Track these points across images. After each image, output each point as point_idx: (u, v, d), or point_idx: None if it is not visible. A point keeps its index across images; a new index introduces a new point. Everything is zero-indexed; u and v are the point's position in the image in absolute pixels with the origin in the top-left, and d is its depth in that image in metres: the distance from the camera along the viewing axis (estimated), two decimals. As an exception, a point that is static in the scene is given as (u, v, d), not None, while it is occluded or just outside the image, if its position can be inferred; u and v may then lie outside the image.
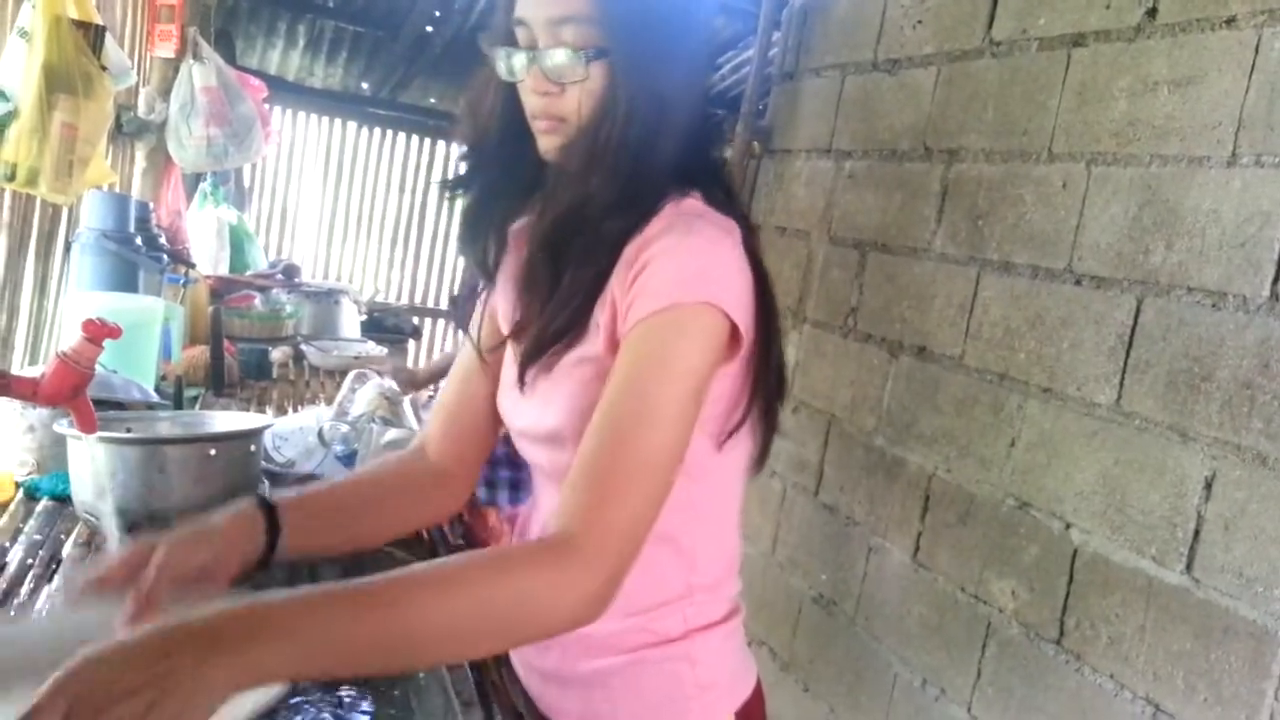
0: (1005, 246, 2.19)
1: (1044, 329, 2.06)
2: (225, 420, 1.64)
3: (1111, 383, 1.90)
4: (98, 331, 0.93)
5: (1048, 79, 2.12)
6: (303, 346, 2.96)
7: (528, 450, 1.11)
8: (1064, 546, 1.97)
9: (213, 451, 1.43)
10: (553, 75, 0.98)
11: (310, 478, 1.57)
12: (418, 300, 6.48)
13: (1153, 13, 1.90)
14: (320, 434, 1.66)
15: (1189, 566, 1.72)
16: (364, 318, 4.05)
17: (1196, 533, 1.72)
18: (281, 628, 0.72)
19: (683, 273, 0.93)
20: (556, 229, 0.99)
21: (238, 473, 1.48)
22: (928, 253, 2.43)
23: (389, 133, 6.26)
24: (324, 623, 0.73)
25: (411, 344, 5.54)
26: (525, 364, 1.02)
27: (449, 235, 6.46)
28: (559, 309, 1.00)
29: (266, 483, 1.65)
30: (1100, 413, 1.92)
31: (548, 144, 1.02)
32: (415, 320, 5.85)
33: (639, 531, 0.88)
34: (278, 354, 2.88)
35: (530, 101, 1.01)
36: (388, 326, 5.09)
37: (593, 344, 0.99)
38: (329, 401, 2.66)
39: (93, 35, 1.92)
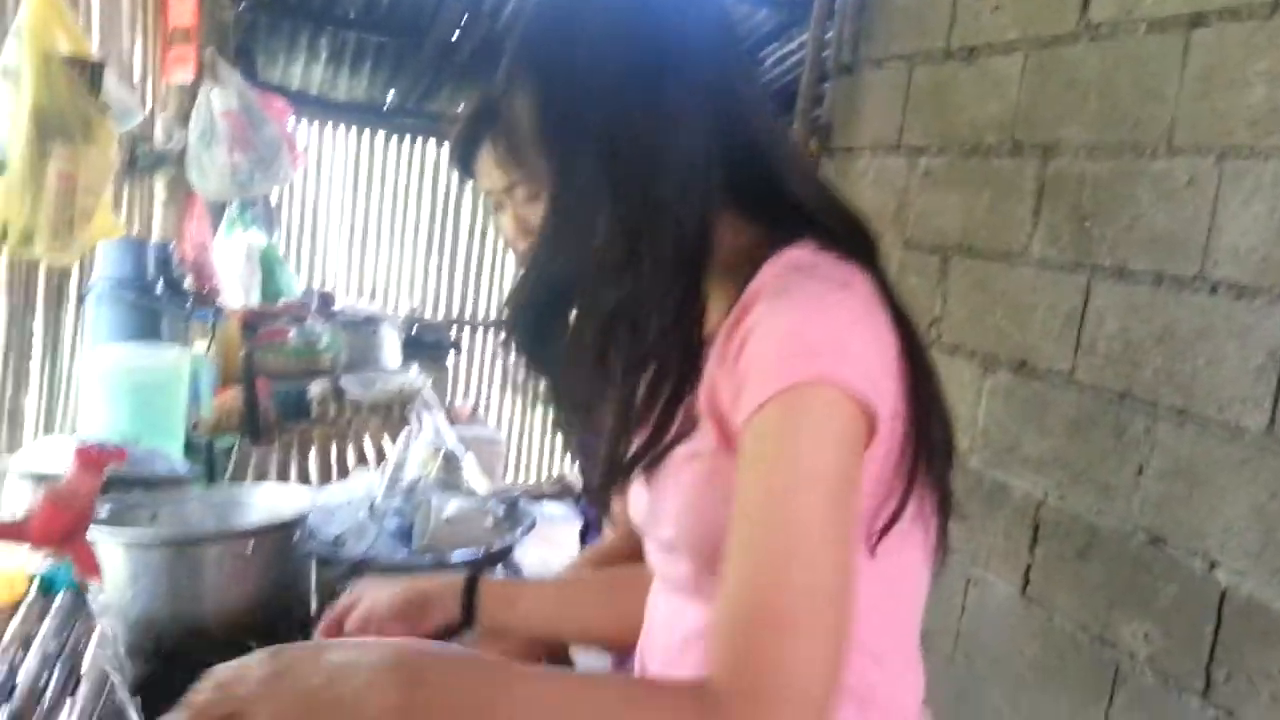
0: (1120, 251, 1.95)
1: (1174, 343, 1.83)
2: (264, 496, 1.44)
3: (1262, 406, 1.67)
4: (92, 459, 0.74)
5: (1162, 64, 1.89)
6: (342, 381, 2.78)
7: (646, 546, 0.95)
8: (1209, 588, 1.75)
9: (250, 547, 1.23)
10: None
11: (363, 563, 1.37)
12: (455, 312, 6.30)
13: (1293, -18, 1.66)
14: (371, 508, 1.46)
15: (1373, 619, 1.49)
16: (403, 337, 3.86)
17: (1379, 578, 1.50)
18: (454, 689, 0.71)
19: (783, 348, 0.74)
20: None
21: (279, 566, 1.29)
22: (1023, 257, 2.20)
23: (418, 140, 6.09)
24: (485, 705, 0.70)
25: (452, 357, 5.39)
26: (617, 475, 0.88)
27: (483, 240, 6.29)
28: (637, 414, 0.85)
29: (314, 565, 1.46)
30: (1249, 439, 1.69)
31: None
32: (454, 332, 5.69)
33: (816, 679, 0.68)
34: (316, 390, 2.70)
35: None
36: (428, 344, 4.94)
37: (702, 438, 0.82)
38: (374, 437, 2.49)
39: (89, 72, 1.71)
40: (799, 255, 0.82)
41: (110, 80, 1.74)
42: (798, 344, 0.73)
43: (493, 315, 6.35)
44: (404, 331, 4.03)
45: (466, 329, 6.26)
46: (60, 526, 0.74)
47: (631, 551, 1.22)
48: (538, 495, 5.82)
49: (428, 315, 5.95)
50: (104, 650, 1.23)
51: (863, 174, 2.81)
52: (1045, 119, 2.16)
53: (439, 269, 6.25)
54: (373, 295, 5.98)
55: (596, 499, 0.92)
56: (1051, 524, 2.10)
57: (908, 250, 2.59)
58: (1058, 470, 2.08)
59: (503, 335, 0.89)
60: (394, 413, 2.70)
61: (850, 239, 0.85)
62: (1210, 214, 1.77)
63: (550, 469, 6.58)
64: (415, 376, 2.95)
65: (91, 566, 0.78)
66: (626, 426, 0.85)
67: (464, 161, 1.44)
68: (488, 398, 6.46)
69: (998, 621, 2.26)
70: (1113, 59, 2.01)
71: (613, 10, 0.83)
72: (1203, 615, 1.76)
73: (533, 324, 0.86)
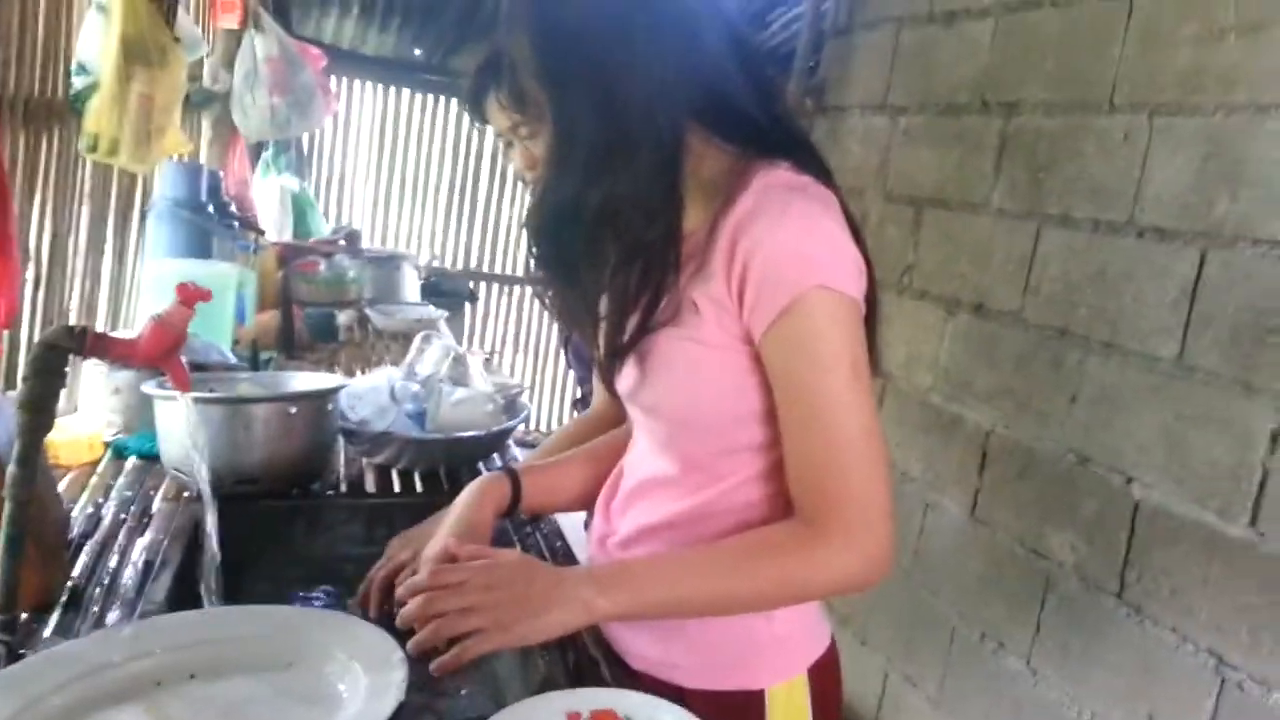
0: (1065, 200, 2.17)
1: (1105, 283, 2.05)
2: (302, 380, 1.69)
3: (1174, 336, 1.89)
4: (190, 295, 0.99)
5: (1109, 28, 2.09)
6: (367, 310, 3.03)
7: (627, 404, 1.13)
8: (1125, 501, 1.98)
9: (293, 410, 1.48)
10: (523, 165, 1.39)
11: (384, 435, 1.62)
12: (473, 265, 6.53)
13: (1221, -42, 1.86)
14: (392, 393, 1.71)
15: (1254, 520, 1.72)
16: (422, 282, 4.10)
17: (1262, 486, 1.72)
18: (639, 583, 0.95)
19: (792, 260, 0.92)
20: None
21: (316, 430, 1.54)
22: (986, 208, 2.42)
23: (441, 99, 6.30)
24: (668, 585, 0.95)
25: (468, 307, 5.63)
26: (610, 358, 1.05)
27: (500, 200, 6.51)
28: (627, 306, 1.02)
29: (342, 439, 1.71)
30: (1163, 367, 1.91)
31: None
32: (471, 284, 5.92)
33: (879, 494, 0.93)
34: (344, 317, 2.95)
35: None
36: (445, 291, 5.17)
37: (692, 325, 0.99)
38: (394, 362, 2.73)
39: (165, 7, 1.97)
40: (787, 176, 0.98)
41: (181, 15, 2.01)
42: (802, 256, 0.92)
43: (509, 271, 6.59)
44: (423, 277, 4.25)
45: (483, 283, 6.50)
46: (163, 346, 0.98)
47: (612, 418, 1.45)
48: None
49: (447, 267, 6.19)
50: (171, 500, 1.49)
51: (852, 131, 3.02)
52: (1010, 80, 2.37)
53: (459, 223, 6.48)
54: (394, 245, 6.23)
55: (601, 377, 1.11)
56: (998, 450, 2.33)
57: (887, 203, 2.81)
58: (1005, 402, 2.31)
59: (527, 250, 1.05)
60: (413, 341, 2.94)
61: (815, 164, 1.02)
62: (1141, 166, 1.98)
63: (560, 420, 6.84)
64: (433, 310, 3.20)
65: (184, 379, 1.02)
66: (623, 312, 1.02)
67: (475, 105, 1.64)
68: (501, 352, 6.71)
69: (949, 540, 2.50)
70: (1070, 23, 2.20)
71: None
72: (1119, 525, 1.98)
73: (549, 235, 1.01)
